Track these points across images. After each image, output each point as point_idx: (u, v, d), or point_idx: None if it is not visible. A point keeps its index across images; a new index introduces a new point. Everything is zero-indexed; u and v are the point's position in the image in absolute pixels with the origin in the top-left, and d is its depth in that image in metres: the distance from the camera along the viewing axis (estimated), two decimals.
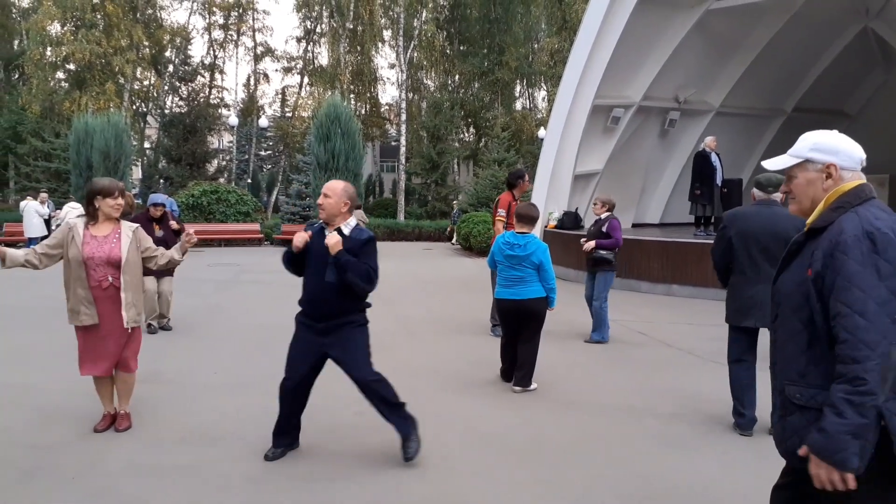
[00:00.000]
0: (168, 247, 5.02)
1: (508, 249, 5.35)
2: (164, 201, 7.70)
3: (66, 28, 28.56)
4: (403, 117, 33.89)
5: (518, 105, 41.22)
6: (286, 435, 3.99)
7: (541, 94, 42.12)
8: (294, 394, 3.95)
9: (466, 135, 40.79)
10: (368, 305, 4.00)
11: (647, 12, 12.97)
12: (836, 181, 2.01)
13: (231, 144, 37.93)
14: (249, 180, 35.61)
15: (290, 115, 38.91)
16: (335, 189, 3.78)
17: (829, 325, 1.87)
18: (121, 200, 4.27)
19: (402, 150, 33.53)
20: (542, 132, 29.09)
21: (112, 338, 4.21)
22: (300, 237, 3.81)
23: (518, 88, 41.05)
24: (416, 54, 35.37)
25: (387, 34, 36.57)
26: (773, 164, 2.13)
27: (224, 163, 36.96)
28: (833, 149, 2.02)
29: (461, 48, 37.27)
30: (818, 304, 1.90)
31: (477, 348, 6.87)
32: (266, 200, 36.79)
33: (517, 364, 5.39)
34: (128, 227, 4.33)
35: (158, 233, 7.14)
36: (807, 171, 2.04)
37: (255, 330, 7.75)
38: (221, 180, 32.20)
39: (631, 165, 15.18)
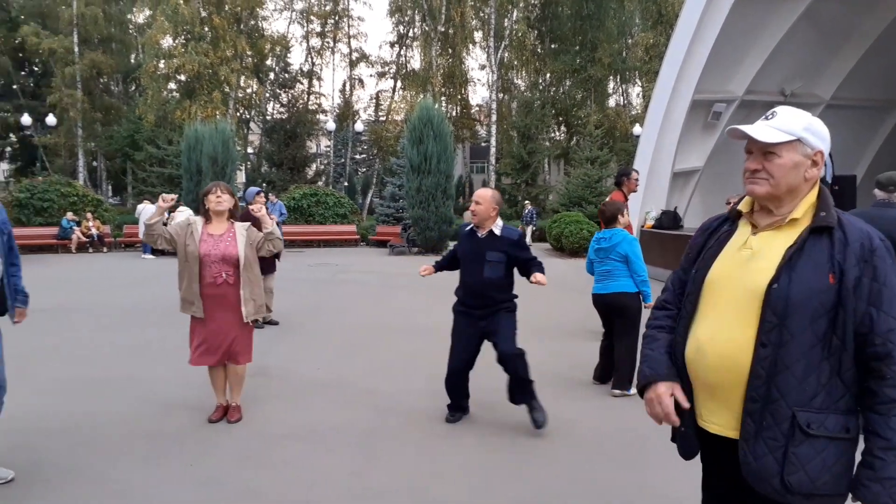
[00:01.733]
0: None
1: (596, 244, 5.49)
2: (259, 190, 8.06)
3: (177, 41, 30.41)
4: (494, 118, 33.90)
5: (611, 102, 40.36)
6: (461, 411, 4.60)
7: (635, 91, 41.09)
8: (459, 377, 4.48)
9: (557, 133, 40.32)
10: (516, 296, 4.54)
11: (751, 2, 12.37)
12: (819, 172, 1.76)
13: (328, 149, 39.16)
14: (346, 183, 36.64)
15: (383, 119, 39.73)
16: (485, 196, 4.34)
17: (848, 339, 1.62)
18: (219, 193, 4.46)
19: (493, 150, 33.55)
20: (637, 129, 28.30)
21: (223, 332, 4.42)
22: (427, 270, 4.77)
23: (611, 85, 40.19)
24: (506, 54, 35.30)
25: (477, 35, 36.72)
26: (762, 133, 1.73)
27: (322, 167, 38.21)
28: (824, 135, 1.78)
29: (552, 46, 36.87)
30: (845, 315, 1.62)
31: (575, 350, 6.76)
32: (361, 203, 37.75)
33: (614, 365, 5.30)
34: (241, 227, 4.54)
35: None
36: (795, 152, 1.73)
37: (354, 329, 7.96)
38: (320, 183, 33.31)
39: (733, 163, 14.50)
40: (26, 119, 27.34)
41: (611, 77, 38.01)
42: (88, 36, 32.69)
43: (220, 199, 4.46)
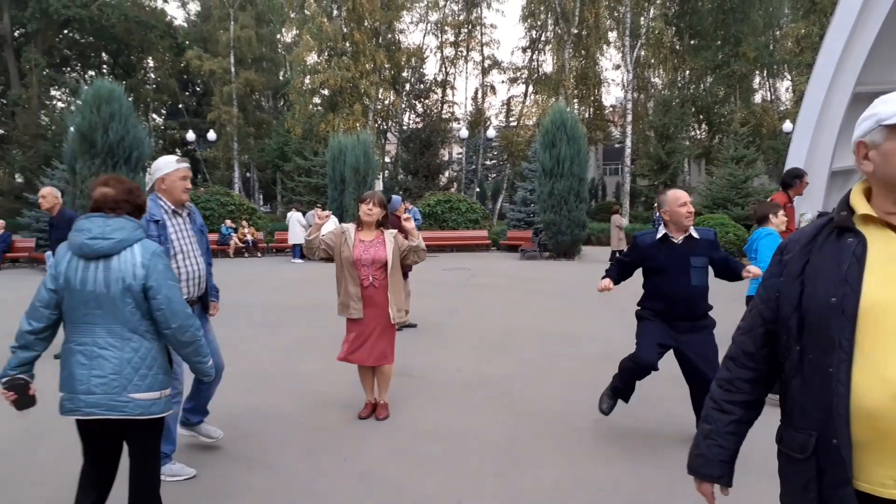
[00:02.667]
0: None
1: (748, 245, 5.30)
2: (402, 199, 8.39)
3: (321, 58, 32.26)
4: (629, 118, 32.99)
5: (757, 98, 38.00)
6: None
7: (784, 85, 38.43)
8: (643, 371, 4.08)
9: (698, 132, 38.53)
10: (710, 307, 4.22)
11: None
12: None
13: (460, 155, 39.84)
14: (477, 189, 37.12)
15: (514, 124, 39.86)
16: (689, 198, 4.15)
17: None
18: (370, 206, 4.70)
19: (628, 151, 32.65)
20: (787, 125, 26.44)
21: (373, 332, 4.65)
22: (606, 285, 4.26)
23: (757, 80, 37.86)
24: (642, 53, 34.25)
25: (612, 35, 35.94)
26: None
27: (454, 173, 38.97)
28: None
29: (692, 42, 35.35)
30: None
31: None
32: (491, 208, 38.09)
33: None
34: (389, 234, 4.79)
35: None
36: None
37: (491, 332, 8.07)
38: (452, 190, 34.01)
39: None
40: (191, 135, 30.13)
41: (756, 72, 35.82)
42: (243, 57, 35.50)
43: (370, 212, 4.71)
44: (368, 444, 4.30)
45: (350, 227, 4.79)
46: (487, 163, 43.18)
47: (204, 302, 4.02)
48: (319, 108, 33.31)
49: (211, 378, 2.79)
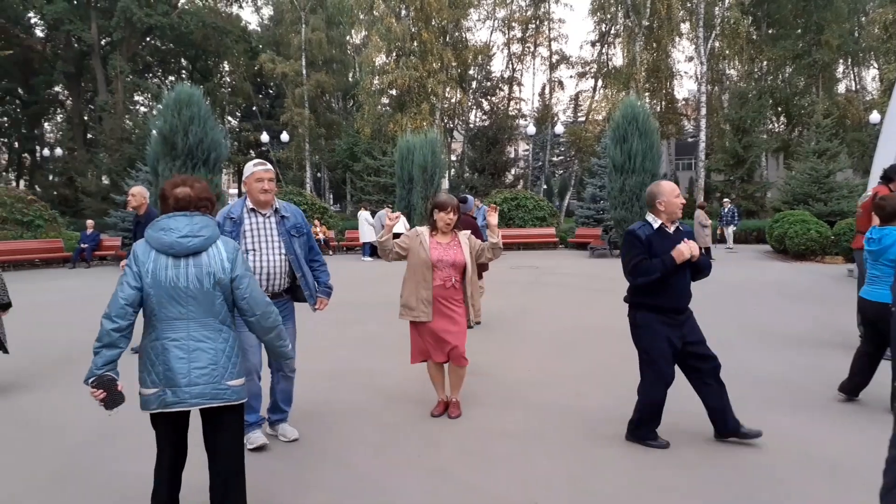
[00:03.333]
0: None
1: (867, 245, 4.99)
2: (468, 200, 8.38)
3: (389, 58, 32.62)
4: (703, 111, 31.90)
5: (841, 87, 36.14)
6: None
7: (870, 74, 36.40)
8: (667, 389, 4.16)
9: (776, 125, 36.93)
10: None
11: None
12: None
13: (526, 153, 39.54)
14: (545, 186, 36.74)
15: (582, 120, 39.26)
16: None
17: None
18: (452, 216, 4.70)
19: (702, 145, 31.57)
20: (874, 116, 25.07)
21: (447, 332, 4.63)
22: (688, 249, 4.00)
23: (840, 69, 36.00)
24: (717, 44, 33.08)
25: (684, 27, 34.83)
26: None
27: (520, 171, 38.72)
28: None
29: (769, 32, 33.93)
30: None
31: (814, 362, 6.18)
32: (558, 205, 37.63)
33: (865, 378, 4.85)
34: (463, 236, 4.78)
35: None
36: None
37: (561, 331, 7.98)
38: (519, 187, 33.78)
39: None
40: (264, 137, 31.00)
41: (840, 60, 34.08)
42: (314, 59, 36.27)
43: (451, 221, 4.71)
44: (441, 443, 4.31)
45: (424, 230, 4.79)
46: (554, 159, 42.71)
47: (295, 296, 4.37)
48: (388, 108, 33.69)
49: (292, 360, 2.95)
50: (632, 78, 33.26)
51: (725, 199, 24.09)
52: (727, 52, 34.22)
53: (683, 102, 41.23)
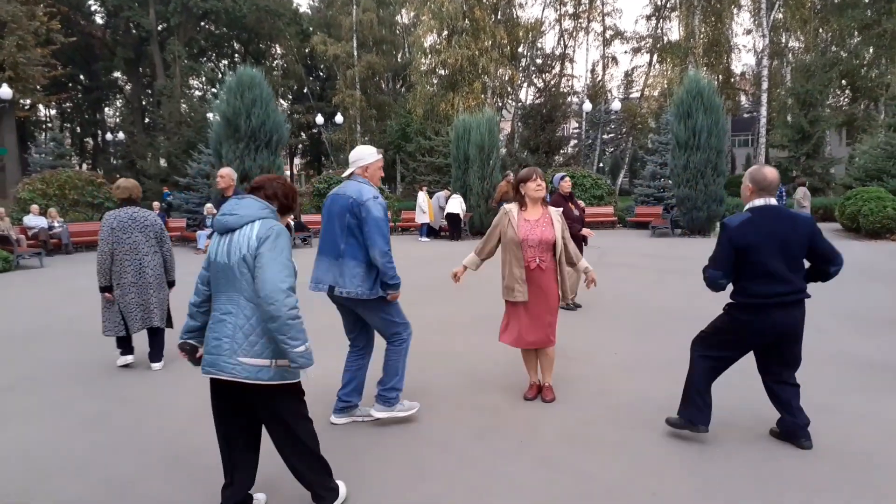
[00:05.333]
0: (582, 224, 6.56)
1: None
2: (565, 175, 8.14)
3: (441, 37, 32.34)
4: (764, 86, 30.72)
5: None
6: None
7: None
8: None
9: (841, 99, 35.37)
10: None
11: None
12: None
13: (577, 131, 38.87)
14: (600, 164, 36.07)
15: (635, 96, 38.34)
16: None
17: None
18: (539, 181, 4.57)
19: (763, 121, 30.44)
20: None
21: (537, 314, 4.53)
22: None
23: None
24: (779, 15, 31.74)
25: None
26: None
27: (572, 150, 38.10)
28: None
29: (835, 1, 32.31)
30: None
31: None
32: (611, 184, 36.92)
33: None
34: (555, 212, 4.63)
35: (575, 211, 7.68)
36: None
37: (639, 312, 7.79)
38: (572, 166, 33.23)
39: None
40: (319, 119, 31.19)
41: None
42: (365, 40, 36.25)
43: (539, 187, 4.58)
44: (542, 428, 4.22)
45: (513, 207, 4.68)
46: (605, 137, 41.91)
47: None
48: (439, 87, 33.48)
49: (298, 366, 2.82)
50: (690, 52, 32.26)
51: (797, 178, 23.05)
52: (790, 23, 32.83)
53: (739, 77, 39.86)
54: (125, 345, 5.89)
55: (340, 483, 3.23)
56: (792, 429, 3.81)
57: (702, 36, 33.36)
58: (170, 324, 5.99)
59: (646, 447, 3.88)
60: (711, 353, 3.87)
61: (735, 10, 34.23)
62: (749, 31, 38.44)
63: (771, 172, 3.70)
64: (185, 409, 4.75)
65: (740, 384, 4.81)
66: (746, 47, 53.33)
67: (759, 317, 3.61)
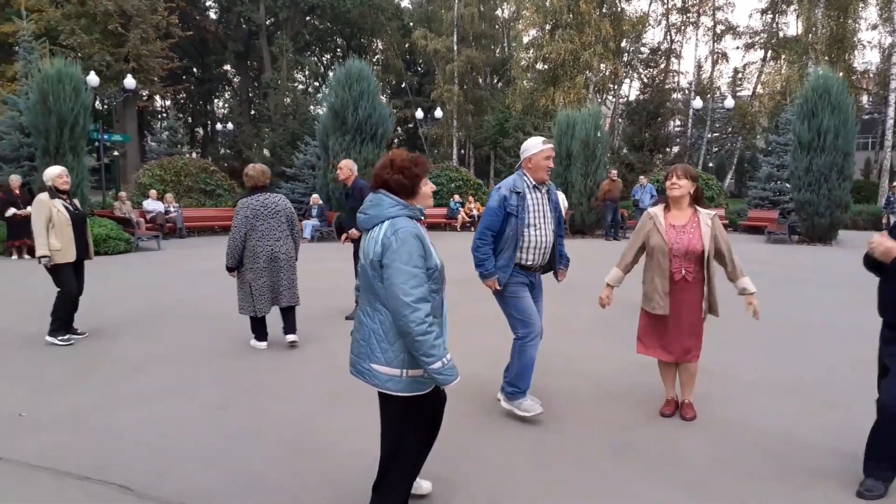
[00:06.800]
0: None
1: None
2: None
3: (543, 31, 31.78)
4: (893, 85, 28.36)
5: None
6: None
7: None
8: None
9: None
10: None
11: None
12: None
13: (679, 129, 37.35)
14: (710, 164, 34.52)
15: (745, 93, 36.38)
16: None
17: None
18: (675, 178, 4.18)
19: (890, 122, 28.13)
20: None
21: (680, 329, 4.16)
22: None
23: None
24: None
25: None
26: None
27: (677, 148, 36.64)
28: None
29: None
30: None
31: None
32: (719, 185, 35.21)
33: None
34: (706, 215, 4.22)
35: None
36: None
37: (773, 326, 7.15)
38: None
39: None
40: (419, 113, 31.37)
41: None
42: (465, 35, 36.15)
43: (674, 185, 4.20)
44: (686, 450, 3.85)
45: (658, 210, 4.31)
46: (709, 135, 40.05)
47: (553, 270, 4.39)
48: (539, 82, 32.93)
49: (439, 383, 2.61)
50: (810, 48, 30.23)
51: (894, 184, 21.15)
52: None
53: (859, 75, 37.04)
54: (259, 329, 6.08)
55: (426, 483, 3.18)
56: None
57: (823, 30, 31.14)
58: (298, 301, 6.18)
59: (811, 477, 3.45)
60: None
61: (861, 4, 31.77)
62: (875, 27, 35.62)
63: None
64: (310, 396, 4.71)
65: None
66: (871, 43, 49.39)
67: None
